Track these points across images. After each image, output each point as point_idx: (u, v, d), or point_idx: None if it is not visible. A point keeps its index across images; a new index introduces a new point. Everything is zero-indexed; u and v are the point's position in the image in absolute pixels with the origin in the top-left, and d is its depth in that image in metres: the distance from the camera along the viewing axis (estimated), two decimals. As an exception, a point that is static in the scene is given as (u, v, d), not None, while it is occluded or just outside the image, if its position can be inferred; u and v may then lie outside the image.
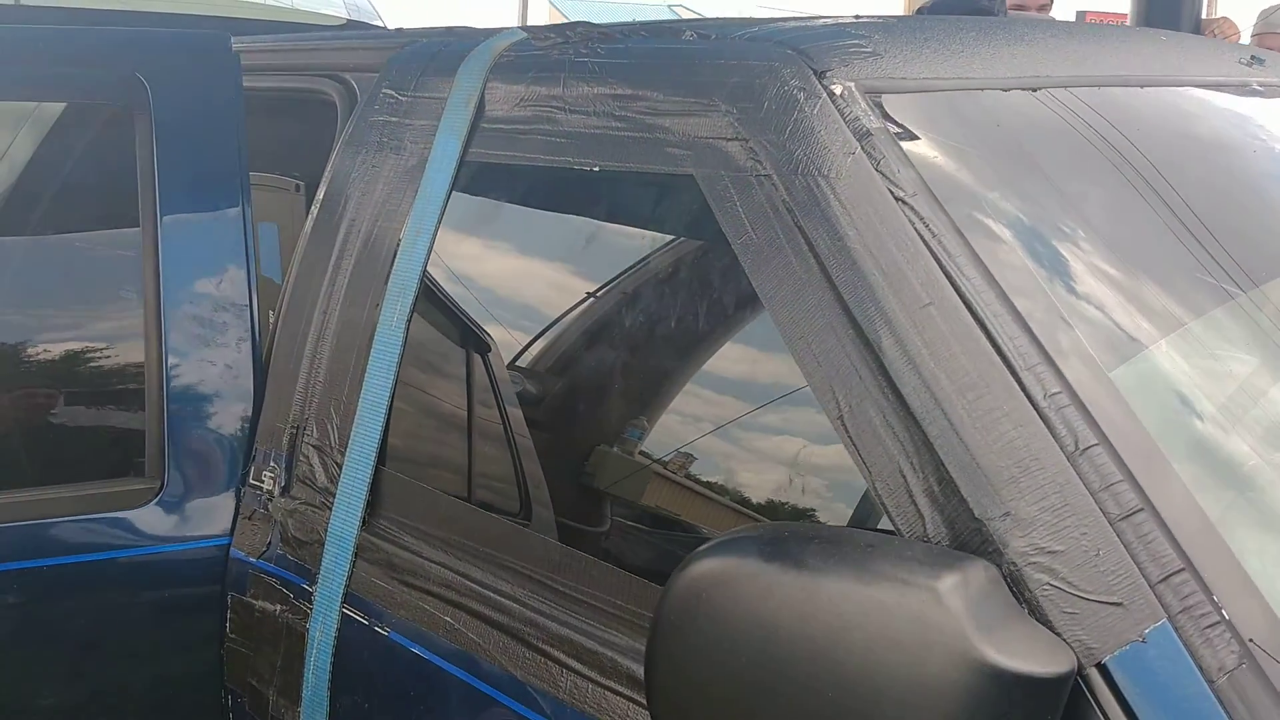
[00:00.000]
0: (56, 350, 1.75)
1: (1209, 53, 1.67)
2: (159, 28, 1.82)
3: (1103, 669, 0.84)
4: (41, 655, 1.63)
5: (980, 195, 1.10)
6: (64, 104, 1.79)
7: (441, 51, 1.65)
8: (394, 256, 1.55)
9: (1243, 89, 1.51)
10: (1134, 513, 0.87)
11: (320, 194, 1.74)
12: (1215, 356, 1.05)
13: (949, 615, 0.80)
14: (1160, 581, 0.85)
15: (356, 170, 1.67)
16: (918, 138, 1.13)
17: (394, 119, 1.64)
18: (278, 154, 2.03)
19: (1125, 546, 0.86)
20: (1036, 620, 0.87)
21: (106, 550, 1.65)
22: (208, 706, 1.69)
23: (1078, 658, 0.83)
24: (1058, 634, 0.85)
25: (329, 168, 1.75)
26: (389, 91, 1.67)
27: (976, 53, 1.29)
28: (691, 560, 0.94)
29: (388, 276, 1.54)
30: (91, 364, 1.76)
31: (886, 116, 1.14)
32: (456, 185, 1.50)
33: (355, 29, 2.03)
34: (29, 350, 1.73)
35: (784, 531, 0.93)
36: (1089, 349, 0.98)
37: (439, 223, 1.50)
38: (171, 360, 1.68)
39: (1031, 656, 0.80)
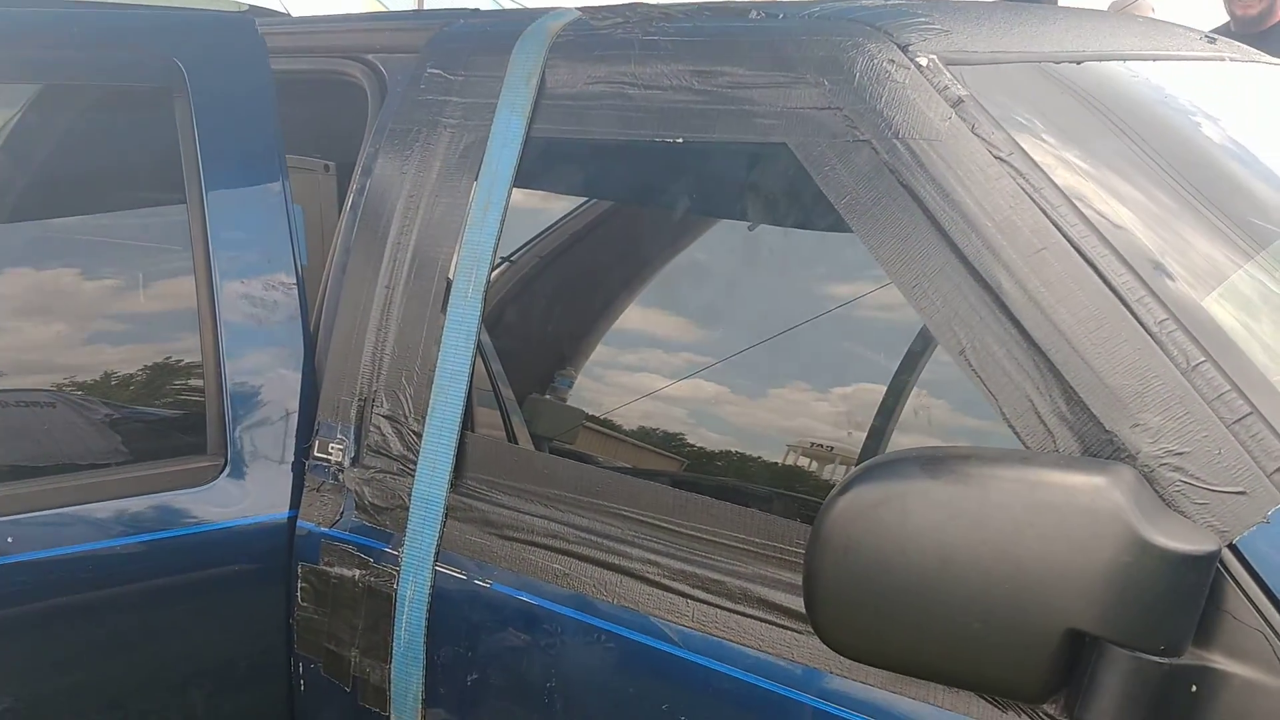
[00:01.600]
0: (116, 334, 1.74)
1: (1179, 33, 1.85)
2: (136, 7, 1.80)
3: (1234, 549, 0.98)
4: (111, 632, 1.63)
5: (1061, 153, 1.24)
6: (101, 86, 1.77)
7: (490, 31, 1.71)
8: (462, 230, 1.60)
9: (1220, 61, 1.70)
10: (1244, 417, 1.02)
11: (364, 171, 1.77)
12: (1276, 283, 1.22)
13: (1116, 507, 0.93)
14: (1276, 471, 1.00)
15: (408, 148, 1.71)
16: (996, 105, 1.26)
17: (445, 98, 1.69)
18: (301, 136, 2.04)
19: (1241, 445, 1.01)
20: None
21: (173, 528, 1.66)
22: (274, 676, 1.72)
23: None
24: (1192, 521, 0.99)
25: (370, 146, 1.79)
26: (436, 71, 1.72)
27: (1022, 31, 1.43)
28: (850, 484, 1.05)
29: (456, 249, 1.60)
30: (151, 346, 1.76)
31: (969, 85, 1.26)
32: (523, 160, 1.56)
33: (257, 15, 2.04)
34: (89, 336, 1.72)
35: (938, 452, 1.04)
36: (1181, 281, 1.12)
37: (509, 195, 1.57)
38: (227, 339, 1.69)
39: (1186, 538, 0.94)
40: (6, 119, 1.74)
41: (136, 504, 1.63)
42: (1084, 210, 1.15)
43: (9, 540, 1.48)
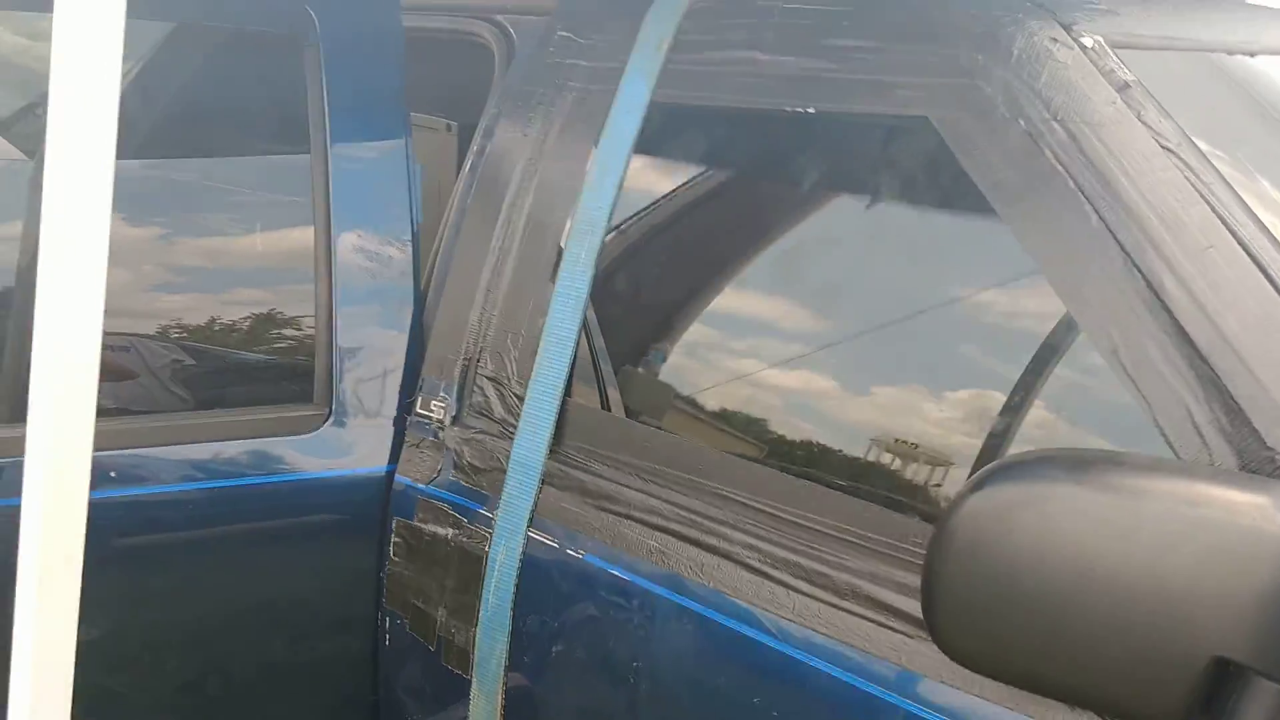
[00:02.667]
0: (231, 278, 1.75)
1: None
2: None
3: None
4: (207, 571, 1.64)
5: (1233, 149, 1.14)
6: (230, 29, 1.77)
7: (622, -4, 1.65)
8: (578, 195, 1.55)
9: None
10: None
11: (486, 135, 1.74)
12: None
13: (1279, 530, 0.84)
14: None
15: (531, 111, 1.67)
16: (1164, 93, 1.16)
17: (575, 61, 1.64)
18: (428, 93, 2.02)
19: None
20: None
21: (276, 474, 1.66)
22: (362, 628, 1.70)
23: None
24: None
25: (494, 108, 1.76)
26: (566, 34, 1.67)
27: (1196, 16, 1.32)
28: (985, 481, 0.97)
29: (570, 215, 1.56)
30: (264, 293, 1.76)
31: (1136, 71, 1.16)
32: (646, 127, 1.51)
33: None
34: (204, 279, 1.72)
35: (1086, 455, 0.96)
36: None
37: (628, 162, 1.52)
38: (340, 291, 1.68)
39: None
40: (138, 57, 1.74)
41: (239, 447, 1.63)
42: (1256, 210, 1.05)
43: (111, 475, 1.49)
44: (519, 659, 1.50)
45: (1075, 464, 0.94)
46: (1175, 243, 1.04)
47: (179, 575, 1.61)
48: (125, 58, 0.92)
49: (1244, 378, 0.97)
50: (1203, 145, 1.11)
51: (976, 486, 0.97)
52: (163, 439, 1.59)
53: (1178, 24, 1.28)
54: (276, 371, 1.76)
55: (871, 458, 1.26)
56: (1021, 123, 1.15)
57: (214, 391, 1.70)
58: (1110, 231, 1.07)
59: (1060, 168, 1.11)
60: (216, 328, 1.71)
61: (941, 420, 1.22)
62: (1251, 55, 1.29)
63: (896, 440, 1.24)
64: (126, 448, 1.55)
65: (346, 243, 1.69)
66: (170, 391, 1.65)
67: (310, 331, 1.69)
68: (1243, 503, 0.86)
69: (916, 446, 1.22)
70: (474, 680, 1.55)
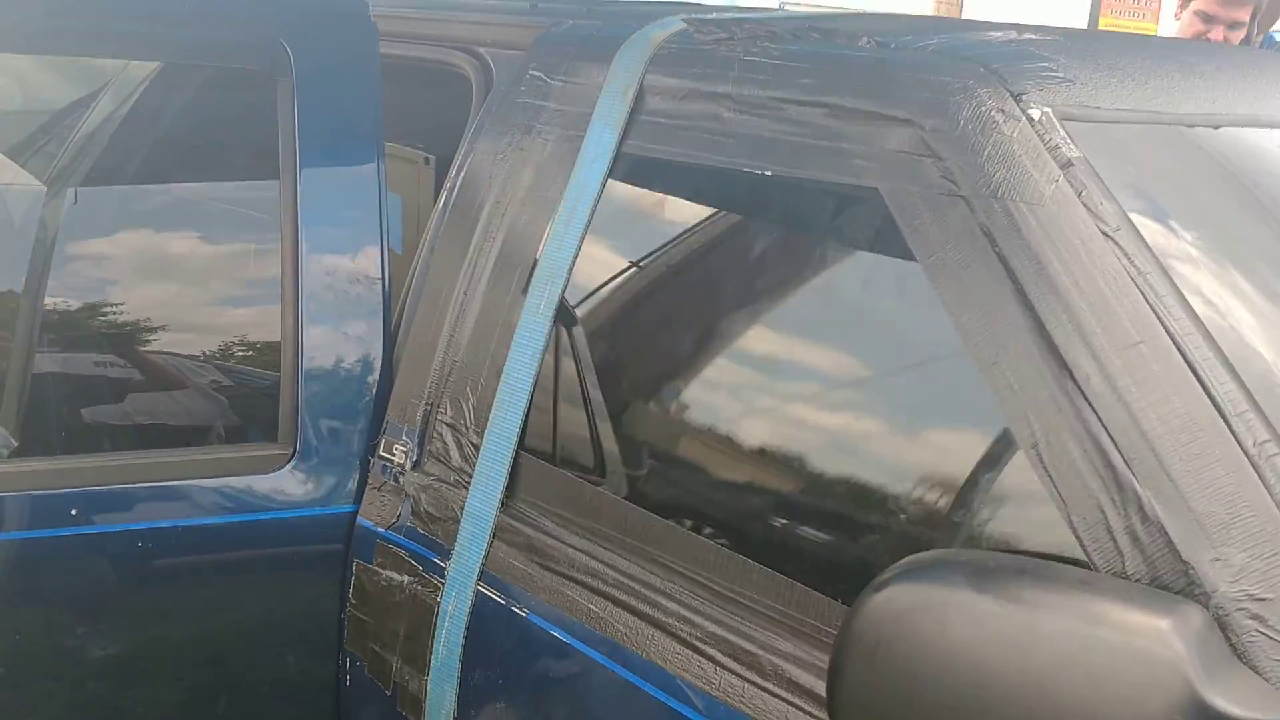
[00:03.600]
0: (196, 314, 1.78)
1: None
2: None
3: (1315, 719, 0.86)
4: (168, 609, 1.68)
5: (1179, 234, 1.12)
6: (207, 67, 1.80)
7: (595, 36, 1.66)
8: (542, 242, 1.56)
9: None
10: (1348, 568, 0.90)
11: (459, 171, 1.76)
12: None
13: (1175, 657, 0.83)
14: (1376, 636, 0.87)
15: (501, 151, 1.68)
16: (1113, 171, 1.14)
17: (543, 103, 1.65)
18: (406, 123, 2.05)
19: (1339, 600, 0.89)
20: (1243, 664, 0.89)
21: (238, 513, 1.69)
22: (324, 667, 1.73)
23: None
24: (1266, 680, 0.88)
25: (467, 144, 1.77)
26: (537, 74, 1.68)
27: (1158, 85, 1.29)
28: (888, 582, 0.97)
29: (534, 262, 1.57)
30: (229, 330, 1.79)
31: (1084, 146, 1.14)
32: (610, 178, 1.51)
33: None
34: (169, 314, 1.76)
35: (989, 561, 0.95)
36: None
37: (592, 213, 1.52)
38: (307, 329, 1.71)
39: (1252, 704, 0.83)
40: (114, 89, 1.78)
41: (201, 486, 1.66)
42: (1195, 303, 1.03)
43: (72, 512, 1.53)
44: (467, 712, 1.52)
45: (976, 569, 0.93)
46: (1104, 335, 1.02)
47: (140, 615, 1.65)
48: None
49: (1163, 484, 0.96)
50: (1148, 228, 1.09)
51: (879, 587, 0.97)
52: (126, 477, 1.63)
53: (1137, 93, 1.25)
54: (241, 410, 1.79)
55: (802, 534, 1.26)
56: (963, 199, 1.14)
57: (177, 429, 1.74)
58: (1039, 319, 1.05)
59: (994, 249, 1.10)
60: (181, 364, 1.75)
61: (874, 502, 1.21)
62: (1215, 128, 1.26)
63: (828, 518, 1.24)
64: (89, 485, 1.60)
65: (315, 280, 1.72)
66: (133, 428, 1.70)
67: (275, 369, 1.72)
68: (1140, 624, 0.85)
69: (847, 526, 1.22)
70: (425, 728, 1.58)
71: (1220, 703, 0.81)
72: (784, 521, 1.29)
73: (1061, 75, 1.23)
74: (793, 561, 1.23)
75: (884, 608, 0.96)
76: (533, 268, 1.56)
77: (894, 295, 1.25)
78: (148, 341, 1.74)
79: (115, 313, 1.71)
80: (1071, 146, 1.13)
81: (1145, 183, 1.15)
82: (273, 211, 1.73)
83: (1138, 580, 0.96)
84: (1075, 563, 1.00)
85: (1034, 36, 1.41)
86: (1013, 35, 1.43)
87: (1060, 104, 1.18)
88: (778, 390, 1.34)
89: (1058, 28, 1.72)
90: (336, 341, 1.73)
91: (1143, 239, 1.07)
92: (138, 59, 1.75)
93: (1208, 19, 3.55)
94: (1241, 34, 3.65)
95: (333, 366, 1.73)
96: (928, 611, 0.93)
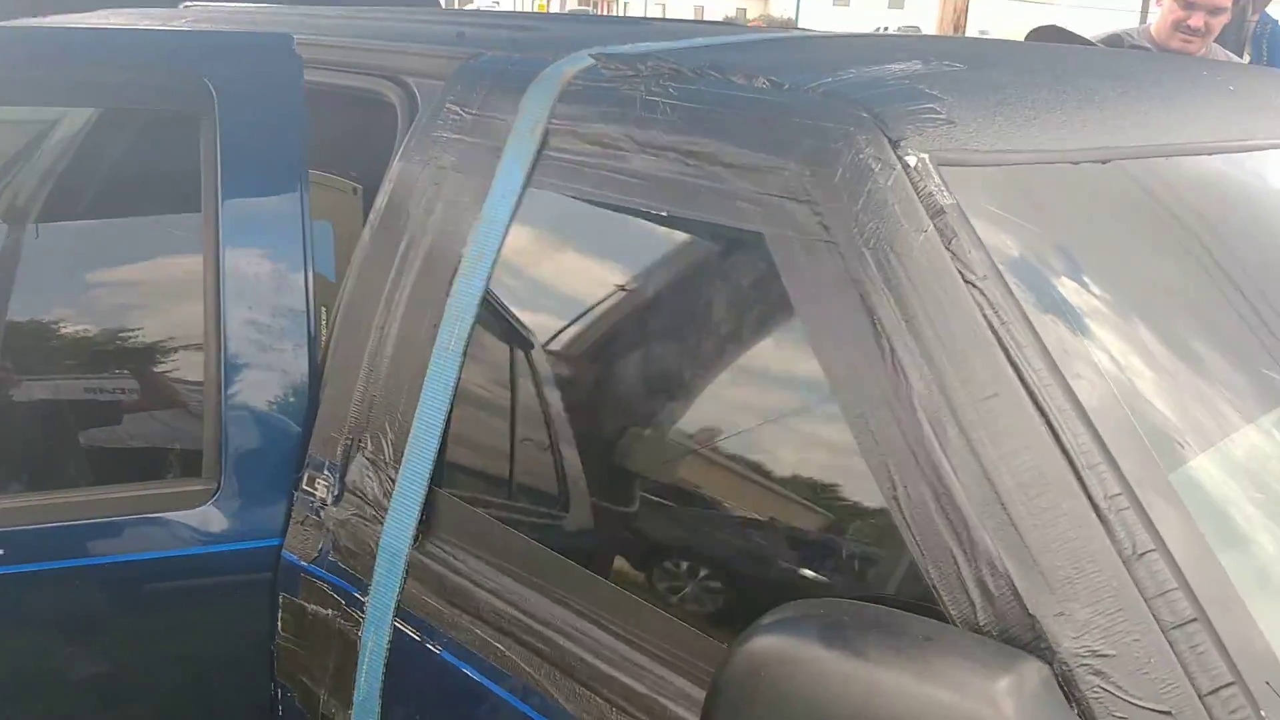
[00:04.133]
0: (118, 352, 1.81)
1: (1274, 101, 1.67)
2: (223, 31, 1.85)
3: (1150, 776, 0.89)
4: (101, 645, 1.71)
5: (1049, 280, 1.13)
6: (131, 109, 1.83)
7: (509, 70, 1.68)
8: (453, 278, 1.59)
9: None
10: (1187, 622, 0.92)
11: (380, 204, 1.78)
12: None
13: (1002, 718, 0.85)
14: (1209, 694, 0.89)
15: (418, 185, 1.70)
16: (989, 216, 1.16)
17: (458, 137, 1.67)
18: (339, 153, 2.07)
19: (1177, 656, 0.91)
20: (1085, 722, 0.91)
21: (164, 549, 1.72)
22: (259, 698, 1.77)
23: (1124, 765, 0.88)
24: (1106, 738, 0.90)
25: (389, 178, 1.79)
26: (454, 107, 1.70)
27: (1048, 119, 1.31)
28: (754, 633, 0.99)
29: (447, 298, 1.59)
30: (152, 366, 1.82)
31: (959, 192, 1.16)
32: (518, 215, 1.54)
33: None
34: (92, 351, 1.79)
35: (844, 615, 0.98)
36: (1151, 448, 1.01)
37: (499, 251, 1.54)
38: (230, 364, 1.73)
39: (1081, 765, 0.85)
40: (37, 134, 1.81)
41: (126, 523, 1.69)
42: (1055, 352, 1.05)
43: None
44: (387, 747, 1.55)
45: (829, 625, 0.96)
46: (963, 388, 1.04)
47: (71, 654, 1.69)
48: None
49: (1012, 539, 0.98)
50: (1018, 274, 1.11)
51: (745, 638, 0.99)
52: (49, 516, 1.66)
53: (1022, 131, 1.27)
54: (164, 445, 1.82)
55: (693, 577, 1.28)
56: (837, 248, 1.16)
57: (100, 466, 1.77)
58: (902, 371, 1.07)
59: (863, 300, 1.12)
60: (103, 401, 1.77)
61: (759, 547, 1.24)
62: (1103, 163, 1.28)
63: (717, 561, 1.26)
64: (13, 525, 1.62)
65: (237, 314, 1.74)
66: (55, 467, 1.72)
67: (198, 404, 1.75)
68: (971, 685, 0.87)
69: (733, 570, 1.24)
70: (350, 762, 1.61)
71: (1043, 764, 0.84)
72: (677, 564, 1.31)
73: (944, 117, 1.25)
74: (684, 604, 1.25)
75: (747, 660, 0.98)
76: (445, 303, 1.58)
77: (788, 345, 1.26)
78: (69, 379, 1.77)
79: (36, 349, 1.74)
80: (945, 194, 1.15)
81: (1020, 227, 1.17)
82: (196, 247, 1.76)
83: (990, 633, 0.98)
84: (936, 614, 1.02)
85: (932, 69, 1.43)
86: (916, 67, 1.44)
87: (939, 149, 1.20)
88: (672, 433, 1.36)
89: (974, 44, 1.73)
90: (261, 375, 1.76)
91: (1008, 287, 1.09)
92: (69, 106, 1.77)
93: (1188, 5, 3.55)
94: (1224, 18, 3.64)
95: (257, 400, 1.75)
96: (783, 666, 0.95)
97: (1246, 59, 4.66)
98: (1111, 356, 1.09)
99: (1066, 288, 1.14)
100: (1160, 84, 1.55)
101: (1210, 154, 1.37)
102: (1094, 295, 1.15)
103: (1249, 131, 1.48)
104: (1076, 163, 1.27)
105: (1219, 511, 1.01)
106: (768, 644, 0.97)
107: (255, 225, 1.79)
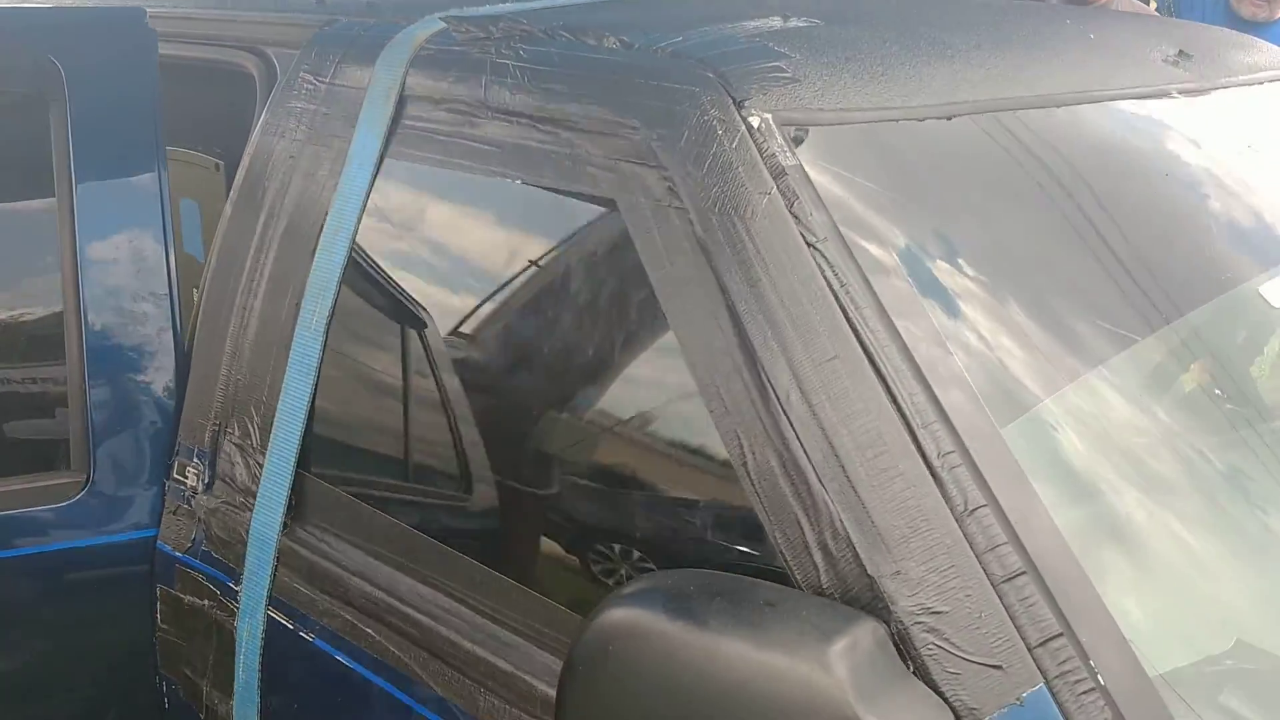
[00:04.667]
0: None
1: (1133, 49, 1.69)
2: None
3: (989, 731, 0.90)
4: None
5: (891, 239, 1.13)
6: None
7: (361, 37, 1.63)
8: (314, 253, 1.55)
9: (1163, 96, 1.54)
10: (1016, 575, 0.93)
11: (239, 179, 1.73)
12: (1113, 411, 1.10)
13: (834, 682, 0.85)
14: (1039, 645, 0.91)
15: (275, 159, 1.66)
16: (833, 176, 1.16)
17: (312, 107, 1.63)
18: (201, 128, 2.01)
19: (1006, 609, 0.92)
20: (922, 680, 0.92)
21: (37, 545, 1.68)
22: (144, 692, 1.74)
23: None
24: (941, 694, 0.91)
25: (248, 152, 1.74)
26: (307, 76, 1.66)
27: (896, 75, 1.31)
28: (605, 607, 0.99)
29: (308, 274, 1.55)
30: (14, 357, 1.76)
31: (802, 152, 1.16)
32: (376, 186, 1.50)
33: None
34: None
35: (690, 585, 0.98)
36: (985, 405, 1.02)
37: (358, 224, 1.51)
38: (92, 351, 1.68)
39: (913, 722, 0.86)
40: None
41: (-1, 519, 1.64)
42: (894, 312, 1.05)
43: None
44: (269, 737, 1.54)
45: (675, 596, 0.96)
46: (804, 350, 1.04)
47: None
48: None
49: (851, 500, 0.99)
50: (857, 236, 1.11)
51: (598, 611, 0.99)
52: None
53: (869, 88, 1.26)
54: (31, 438, 1.76)
55: (556, 552, 1.28)
56: (685, 213, 1.15)
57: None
58: (747, 335, 1.07)
59: (710, 265, 1.11)
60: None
61: (617, 519, 1.23)
62: (948, 119, 1.28)
63: (575, 534, 1.26)
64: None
65: (97, 300, 1.69)
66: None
67: (63, 395, 1.70)
68: (804, 648, 0.88)
69: (592, 543, 1.24)
70: (235, 753, 1.59)
71: (875, 724, 0.84)
72: (538, 540, 1.31)
73: (790, 75, 1.24)
74: (548, 580, 1.25)
75: (597, 634, 0.97)
76: (305, 279, 1.54)
77: (647, 316, 1.24)
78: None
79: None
80: (788, 155, 1.15)
81: (863, 187, 1.17)
82: (52, 233, 1.70)
83: (834, 595, 0.99)
84: (784, 579, 1.03)
85: (789, 26, 1.41)
86: (772, 24, 1.43)
87: (783, 108, 1.19)
88: (531, 407, 1.35)
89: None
90: (125, 362, 1.71)
91: (848, 249, 1.09)
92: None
93: None
94: None
95: (123, 388, 1.71)
96: (630, 639, 0.95)
97: (1153, 6, 4.72)
98: (949, 314, 1.10)
99: (907, 246, 1.14)
100: (1017, 35, 1.55)
101: (1060, 106, 1.37)
102: (934, 253, 1.15)
103: (1103, 81, 1.49)
104: (922, 119, 1.27)
105: (1051, 465, 1.03)
106: (616, 617, 0.97)
107: (112, 208, 1.73)
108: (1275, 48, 1.98)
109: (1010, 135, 1.31)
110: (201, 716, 1.65)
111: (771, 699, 0.87)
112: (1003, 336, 1.10)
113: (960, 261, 1.16)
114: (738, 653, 0.89)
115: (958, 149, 1.27)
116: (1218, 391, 1.14)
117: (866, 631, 0.90)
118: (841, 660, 0.87)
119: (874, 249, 1.11)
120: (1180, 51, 1.66)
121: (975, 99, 1.33)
